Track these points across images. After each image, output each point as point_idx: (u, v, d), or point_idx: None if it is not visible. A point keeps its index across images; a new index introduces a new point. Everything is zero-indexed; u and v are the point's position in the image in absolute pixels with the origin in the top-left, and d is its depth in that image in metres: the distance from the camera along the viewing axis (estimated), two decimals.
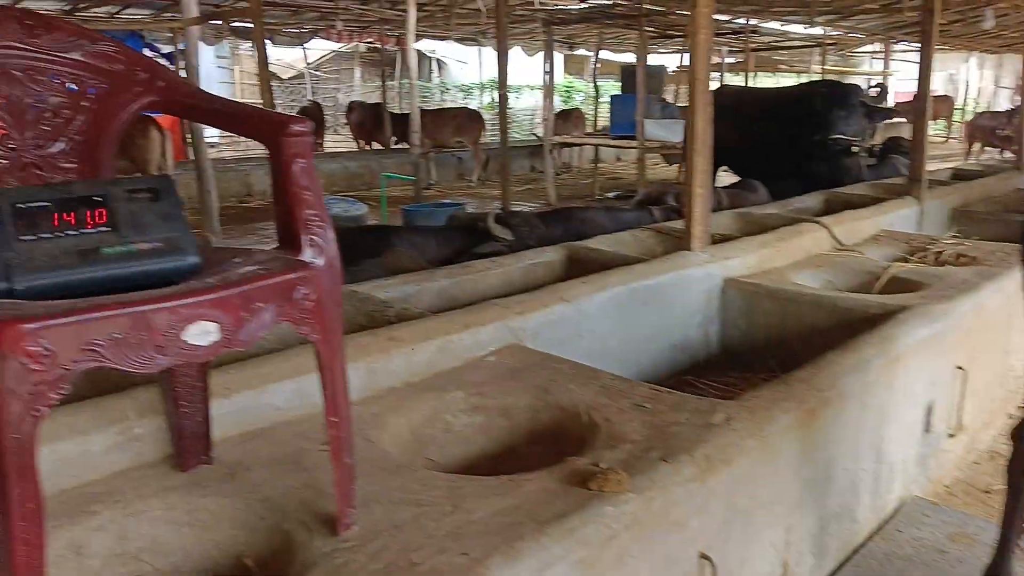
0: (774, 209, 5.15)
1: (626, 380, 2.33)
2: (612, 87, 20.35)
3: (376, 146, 13.09)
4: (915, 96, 5.15)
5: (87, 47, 1.45)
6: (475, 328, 2.49)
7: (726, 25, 10.80)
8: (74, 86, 1.42)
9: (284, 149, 1.35)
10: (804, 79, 18.72)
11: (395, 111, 13.42)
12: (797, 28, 11.99)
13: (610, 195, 11.01)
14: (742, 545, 2.01)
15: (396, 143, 12.68)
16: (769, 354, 3.35)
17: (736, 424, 2.03)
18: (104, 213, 1.26)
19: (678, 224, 4.38)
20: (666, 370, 3.25)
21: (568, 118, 13.94)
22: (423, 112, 10.61)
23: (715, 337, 3.49)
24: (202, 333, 1.14)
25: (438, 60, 20.34)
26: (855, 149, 7.04)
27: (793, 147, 7.11)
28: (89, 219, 1.24)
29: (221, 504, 1.68)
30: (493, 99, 19.73)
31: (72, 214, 1.24)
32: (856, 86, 7.56)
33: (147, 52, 10.60)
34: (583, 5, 8.75)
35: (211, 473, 1.77)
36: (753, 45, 12.47)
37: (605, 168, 13.45)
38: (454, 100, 19.99)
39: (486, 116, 18.23)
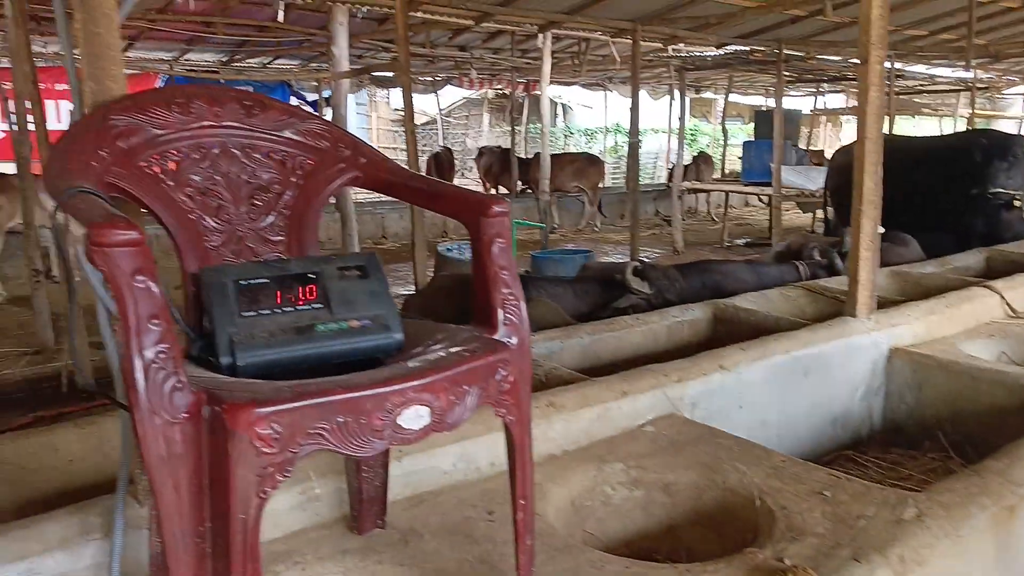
0: (932, 268, 4.83)
1: (800, 462, 2.19)
2: (739, 130, 19.99)
3: (503, 190, 13.31)
4: None
5: (298, 125, 1.51)
6: (633, 396, 2.42)
7: None
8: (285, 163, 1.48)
9: (485, 229, 1.35)
10: (947, 123, 17.78)
11: (519, 156, 13.62)
12: (944, 71, 11.40)
13: (739, 242, 10.71)
14: None
15: (522, 188, 12.85)
16: (939, 433, 3.10)
17: (929, 521, 1.87)
18: (317, 290, 1.29)
19: (831, 283, 4.18)
20: (826, 445, 3.06)
21: (696, 163, 13.71)
22: (539, 156, 10.70)
23: (878, 411, 3.26)
24: (415, 417, 1.14)
25: (563, 105, 20.61)
26: (1017, 203, 6.55)
27: (946, 199, 6.69)
28: (304, 296, 1.28)
29: (396, 572, 1.67)
30: (617, 143, 19.76)
31: (289, 291, 1.27)
32: (1019, 136, 7.06)
33: (294, 100, 11.25)
34: (718, 52, 8.63)
35: (385, 538, 1.78)
36: (896, 89, 11.93)
37: (733, 214, 13.13)
38: (577, 144, 20.13)
39: (608, 160, 18.27)
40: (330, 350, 1.26)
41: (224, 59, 10.23)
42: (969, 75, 11.20)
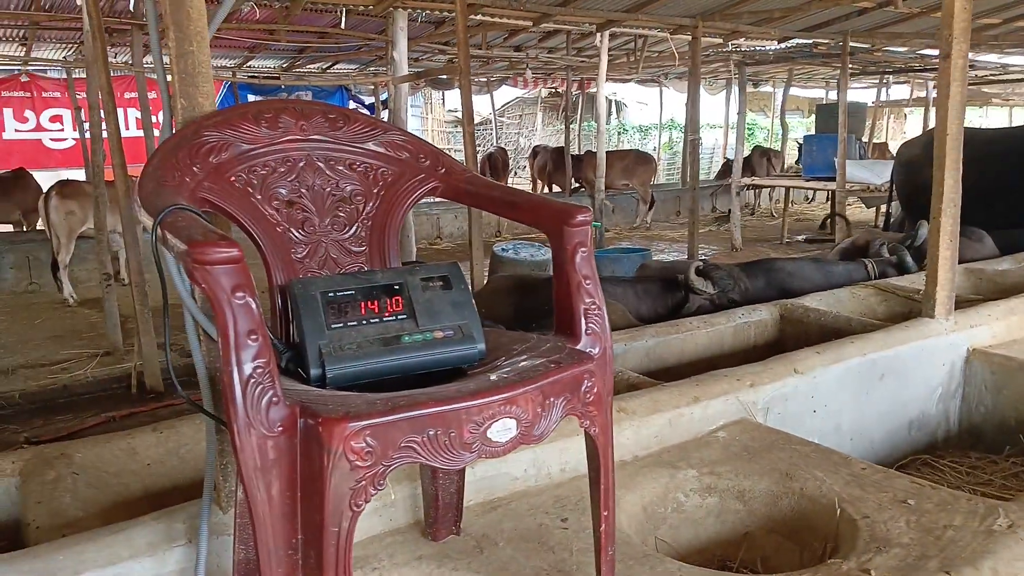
0: (1008, 264, 4.66)
1: (880, 469, 2.13)
2: (798, 124, 19.55)
3: (556, 189, 13.29)
4: None
5: (380, 137, 1.53)
6: (705, 401, 2.39)
7: (935, 61, 10.03)
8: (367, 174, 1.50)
9: (568, 239, 1.34)
10: (1019, 112, 17.11)
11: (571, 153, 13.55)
12: (1018, 59, 10.96)
13: (799, 238, 10.49)
14: None
15: (575, 187, 12.80)
16: (1021, 436, 2.99)
17: (1023, 532, 1.80)
18: (402, 301, 1.30)
19: (903, 281, 4.06)
20: (901, 449, 2.97)
21: (767, 157, 13.34)
22: (590, 154, 10.55)
23: (955, 414, 3.16)
24: (504, 430, 1.14)
25: (616, 102, 20.47)
26: None
27: (1021, 193, 6.43)
28: (390, 307, 1.29)
29: None
30: (671, 139, 19.54)
31: (374, 302, 1.29)
32: None
33: (352, 103, 11.42)
34: (780, 46, 8.44)
35: (459, 545, 1.78)
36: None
37: (793, 209, 12.85)
38: (631, 141, 19.97)
39: (663, 156, 18.05)
40: (415, 361, 1.27)
41: (285, 65, 10.43)
42: None
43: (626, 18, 6.87)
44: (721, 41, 8.09)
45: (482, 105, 14.96)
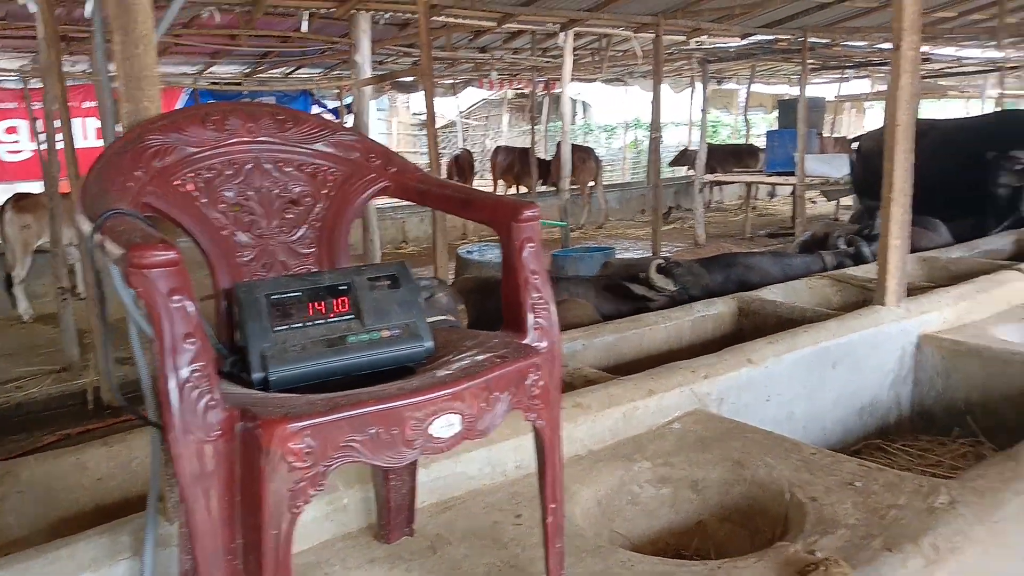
0: (960, 252, 4.78)
1: (830, 453, 2.19)
2: (761, 120, 19.77)
3: (523, 189, 13.32)
4: None
5: (329, 137, 1.54)
6: (660, 394, 2.43)
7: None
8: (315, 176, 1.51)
9: (516, 234, 1.37)
10: (975, 104, 17.45)
11: (540, 156, 13.54)
12: (973, 52, 11.20)
13: (761, 233, 10.64)
14: None
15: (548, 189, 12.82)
16: (968, 418, 3.08)
17: (962, 508, 1.86)
18: (349, 301, 1.32)
19: (858, 271, 4.15)
20: (854, 434, 3.05)
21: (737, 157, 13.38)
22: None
23: (907, 399, 3.24)
24: (447, 426, 1.16)
25: (582, 102, 20.57)
26: None
27: (976, 183, 6.58)
28: (336, 308, 1.31)
29: None
30: (637, 138, 19.69)
31: (320, 303, 1.30)
32: None
33: (315, 108, 11.35)
34: (742, 42, 8.55)
35: (412, 545, 1.79)
36: (922, 72, 11.71)
37: (757, 205, 13.00)
38: (596, 141, 20.07)
39: (628, 155, 18.13)
40: (361, 360, 1.28)
41: (247, 71, 10.34)
42: (1000, 55, 10.99)
43: (589, 17, 6.92)
44: (684, 39, 8.17)
45: (448, 107, 14.96)
